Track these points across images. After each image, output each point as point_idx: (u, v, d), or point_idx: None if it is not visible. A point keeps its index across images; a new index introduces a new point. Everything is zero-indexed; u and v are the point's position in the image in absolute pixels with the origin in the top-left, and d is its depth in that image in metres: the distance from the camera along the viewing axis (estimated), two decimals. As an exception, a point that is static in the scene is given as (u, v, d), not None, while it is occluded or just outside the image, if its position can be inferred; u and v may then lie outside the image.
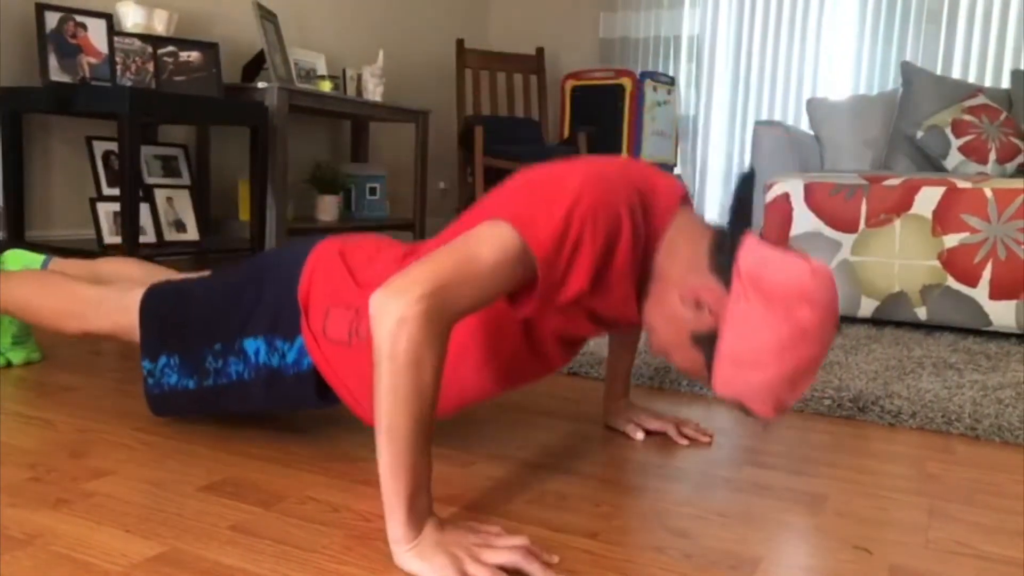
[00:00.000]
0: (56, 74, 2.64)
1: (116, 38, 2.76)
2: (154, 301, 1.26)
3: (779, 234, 2.60)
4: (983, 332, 2.43)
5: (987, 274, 2.34)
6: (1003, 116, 3.50)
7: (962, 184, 2.39)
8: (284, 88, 3.12)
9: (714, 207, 4.99)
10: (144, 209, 2.83)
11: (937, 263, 2.40)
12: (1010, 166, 3.45)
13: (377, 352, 0.85)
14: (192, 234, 3.02)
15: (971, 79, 4.22)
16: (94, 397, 1.44)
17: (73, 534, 0.91)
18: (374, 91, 3.78)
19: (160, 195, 2.94)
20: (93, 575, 0.82)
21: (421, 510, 0.88)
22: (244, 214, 3.37)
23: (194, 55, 2.97)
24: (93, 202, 2.77)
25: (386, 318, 0.85)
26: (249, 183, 3.06)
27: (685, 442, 1.34)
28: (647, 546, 0.95)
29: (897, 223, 2.45)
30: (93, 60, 2.75)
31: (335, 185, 3.71)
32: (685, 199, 1.10)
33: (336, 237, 1.22)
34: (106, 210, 2.77)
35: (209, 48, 3.01)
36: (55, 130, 2.85)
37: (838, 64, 4.58)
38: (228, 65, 3.29)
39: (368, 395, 0.88)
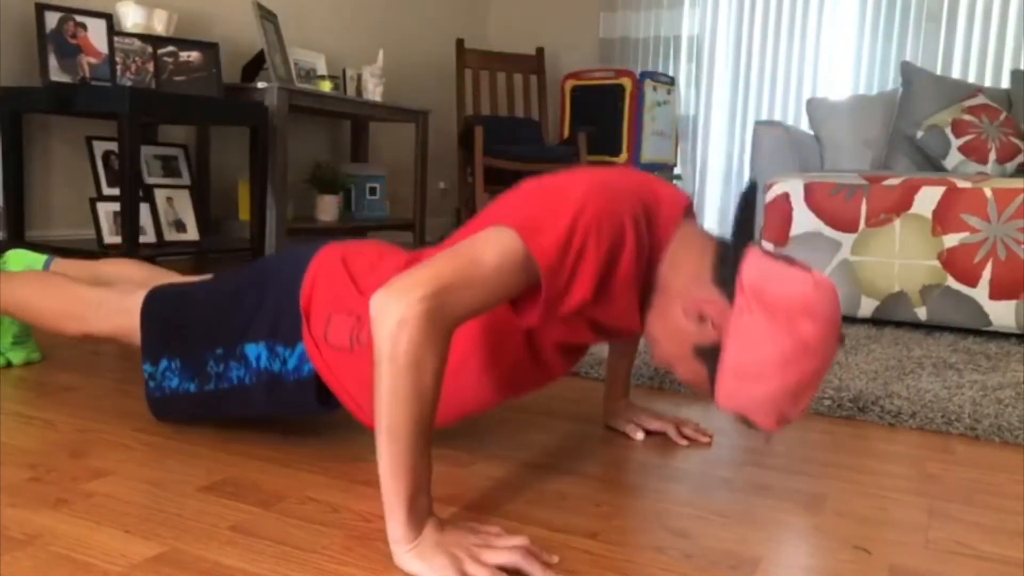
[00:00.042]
0: (56, 74, 2.64)
1: (116, 38, 2.76)
2: (156, 304, 1.26)
3: (779, 234, 2.60)
4: (983, 332, 2.43)
5: (987, 274, 2.34)
6: (1003, 116, 3.50)
7: (962, 184, 2.39)
8: (284, 88, 3.12)
9: (714, 207, 4.99)
10: (144, 209, 2.83)
11: (937, 263, 2.40)
12: (1010, 166, 3.45)
13: (377, 353, 0.85)
14: (192, 234, 3.02)
15: (971, 79, 4.22)
16: (94, 397, 1.44)
17: (73, 534, 0.91)
18: (374, 91, 3.78)
19: (160, 195, 2.94)
20: (93, 575, 0.82)
21: (421, 510, 0.88)
22: (244, 214, 3.37)
23: (194, 55, 2.97)
24: (93, 202, 2.77)
25: (387, 319, 0.85)
26: (249, 183, 3.06)
27: (685, 442, 1.34)
28: (647, 546, 0.95)
29: (897, 223, 2.45)
30: (93, 60, 2.75)
31: (335, 185, 3.71)
32: (688, 210, 1.09)
33: (338, 243, 1.22)
34: (106, 210, 2.77)
35: (209, 48, 3.01)
36: (55, 130, 2.85)
37: (838, 64, 4.58)
38: (228, 65, 3.29)
39: (370, 400, 0.88)
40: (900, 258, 2.45)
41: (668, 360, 1.06)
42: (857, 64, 4.52)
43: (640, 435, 1.36)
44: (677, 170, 4.94)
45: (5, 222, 2.66)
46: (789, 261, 0.98)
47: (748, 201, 1.03)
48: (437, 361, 0.86)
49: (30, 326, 1.61)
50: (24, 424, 1.28)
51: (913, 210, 2.43)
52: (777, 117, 4.71)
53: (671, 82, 4.73)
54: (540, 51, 4.84)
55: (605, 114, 4.59)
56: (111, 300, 1.30)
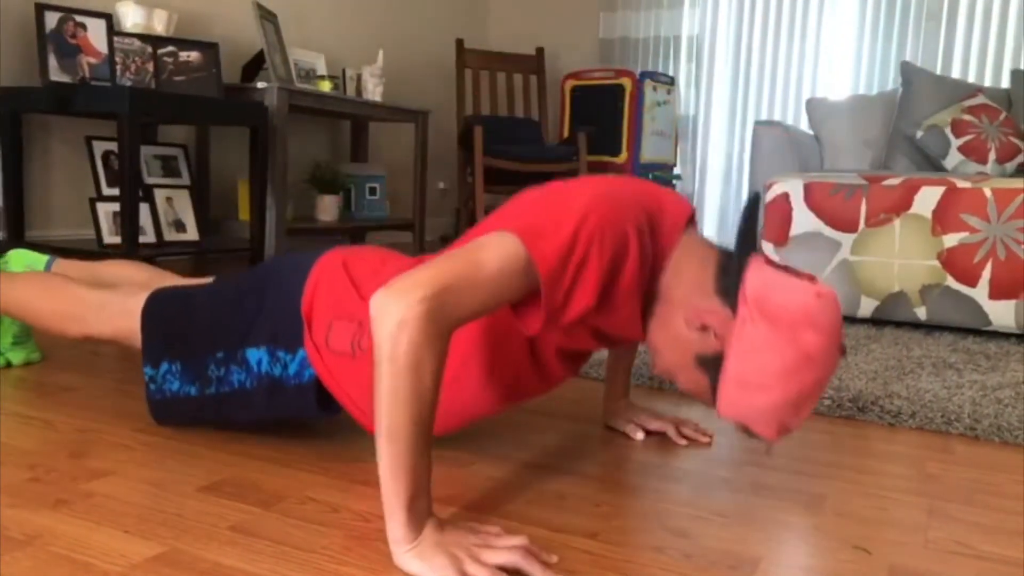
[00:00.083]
0: (56, 74, 2.64)
1: (116, 38, 2.76)
2: (157, 307, 1.26)
3: (779, 234, 2.60)
4: (982, 332, 2.43)
5: (987, 274, 2.34)
6: (1003, 116, 3.50)
7: (962, 184, 2.39)
8: (284, 88, 3.12)
9: (714, 207, 4.99)
10: (144, 209, 2.83)
11: (937, 263, 2.40)
12: (1010, 166, 3.45)
13: (377, 353, 0.85)
14: (192, 234, 3.02)
15: (971, 79, 4.23)
16: (94, 397, 1.44)
17: (72, 534, 0.91)
18: (374, 91, 3.78)
19: (160, 195, 2.94)
20: (92, 575, 0.82)
21: (421, 511, 0.88)
22: (244, 214, 3.37)
23: (194, 55, 2.97)
24: (93, 202, 2.77)
25: (387, 319, 0.85)
26: (249, 183, 3.06)
27: (684, 442, 1.34)
28: (647, 546, 0.95)
29: (897, 223, 2.45)
30: (93, 60, 2.75)
31: (335, 185, 3.71)
32: (691, 219, 1.09)
33: (340, 249, 1.22)
34: (106, 210, 2.77)
35: (209, 48, 3.01)
36: (55, 130, 2.85)
37: (838, 64, 4.58)
38: (228, 65, 3.29)
39: (372, 405, 0.88)
40: (900, 258, 2.45)
41: (670, 369, 1.06)
42: (857, 64, 4.52)
43: (640, 435, 1.36)
44: (677, 170, 4.94)
45: (5, 222, 2.66)
46: (791, 271, 0.98)
47: (751, 211, 1.04)
48: (437, 362, 0.86)
49: (30, 327, 1.61)
50: (24, 424, 1.28)
51: (913, 210, 2.43)
52: (777, 117, 4.71)
53: (671, 82, 4.73)
54: (540, 51, 4.84)
55: (605, 114, 4.59)
56: (112, 302, 1.30)
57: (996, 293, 2.33)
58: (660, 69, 5.00)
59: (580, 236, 0.93)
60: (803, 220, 2.57)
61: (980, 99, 3.56)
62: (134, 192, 2.52)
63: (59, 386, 1.50)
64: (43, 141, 2.82)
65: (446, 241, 4.86)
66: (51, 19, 2.66)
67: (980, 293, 2.35)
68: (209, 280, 1.40)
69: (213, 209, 3.41)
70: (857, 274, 2.50)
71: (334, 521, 0.98)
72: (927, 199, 2.41)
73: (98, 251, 2.66)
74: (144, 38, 2.83)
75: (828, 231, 2.54)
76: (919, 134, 3.55)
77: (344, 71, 3.87)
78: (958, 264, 2.38)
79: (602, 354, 1.77)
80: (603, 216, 0.95)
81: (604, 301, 0.97)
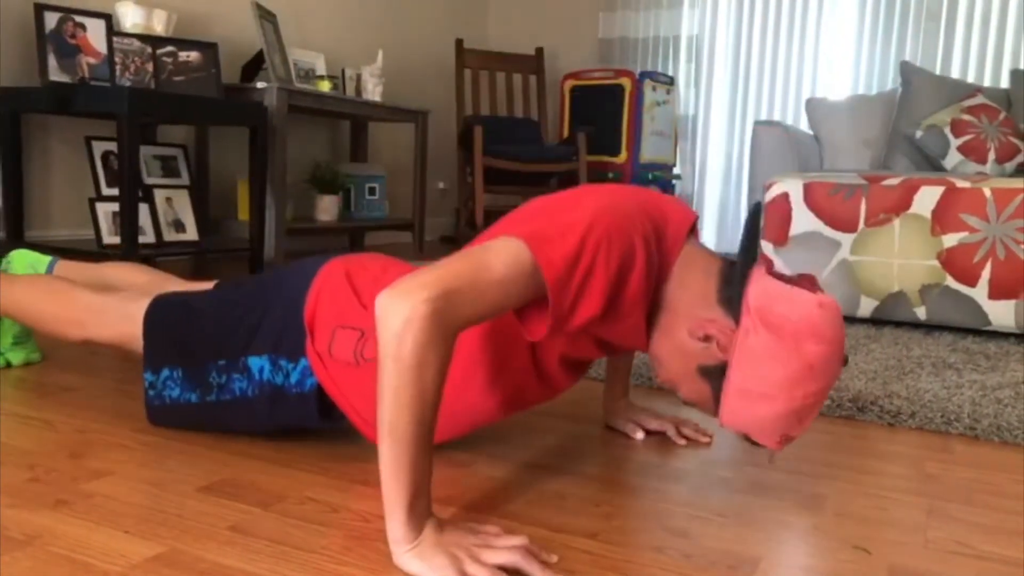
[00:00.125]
0: (55, 74, 2.64)
1: (115, 38, 2.76)
2: (159, 313, 1.26)
3: (778, 234, 2.60)
4: (982, 332, 2.43)
5: (986, 274, 2.34)
6: (1002, 116, 3.50)
7: (961, 184, 2.39)
8: (283, 88, 3.12)
9: (713, 207, 4.99)
10: (143, 209, 2.83)
11: (936, 263, 2.40)
12: (1009, 166, 3.45)
13: (382, 352, 0.85)
14: (191, 234, 3.02)
15: (970, 79, 4.23)
16: (93, 398, 1.44)
17: (72, 535, 0.91)
18: (373, 91, 3.78)
19: (159, 195, 2.94)
20: (92, 575, 0.83)
21: (421, 511, 0.88)
22: (243, 214, 3.37)
23: (193, 55, 2.97)
24: (92, 202, 2.77)
25: (392, 319, 0.85)
26: (248, 183, 3.06)
27: (684, 442, 1.35)
28: (647, 546, 0.95)
29: (896, 223, 2.45)
30: (92, 60, 2.75)
31: (334, 185, 3.71)
32: (693, 227, 1.09)
33: (342, 258, 1.22)
34: (105, 210, 2.77)
35: (208, 48, 3.01)
36: (54, 130, 2.85)
37: (837, 64, 4.58)
38: (227, 65, 3.29)
39: (375, 414, 0.88)
40: (899, 258, 2.45)
41: (672, 379, 1.06)
42: (856, 64, 4.52)
43: (640, 435, 1.36)
44: (676, 170, 4.94)
45: (4, 222, 2.66)
46: (794, 281, 0.99)
47: (753, 222, 1.04)
48: (441, 363, 0.86)
49: (31, 328, 1.61)
50: (24, 424, 1.28)
51: (912, 210, 2.43)
52: (776, 117, 4.72)
53: (670, 82, 4.73)
54: (539, 51, 4.84)
55: (604, 114, 4.59)
56: (113, 307, 1.30)
57: (996, 293, 2.33)
58: (660, 69, 5.00)
59: (587, 244, 0.93)
60: (803, 220, 2.57)
61: (979, 99, 3.57)
62: (133, 192, 2.52)
63: (59, 386, 1.50)
64: (43, 141, 2.82)
65: (446, 241, 4.86)
66: (51, 19, 2.66)
67: (980, 293, 2.35)
68: (210, 285, 1.40)
69: (213, 209, 3.41)
70: (857, 274, 2.50)
71: (334, 521, 0.98)
72: (926, 199, 2.42)
73: (97, 251, 2.66)
74: (143, 38, 2.83)
75: (828, 231, 2.54)
76: (919, 134, 3.56)
77: (344, 71, 3.87)
78: (958, 264, 2.38)
79: (602, 354, 1.77)
80: (610, 225, 0.95)
81: (610, 310, 0.97)
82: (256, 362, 1.17)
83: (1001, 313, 2.33)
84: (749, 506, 1.09)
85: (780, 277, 0.99)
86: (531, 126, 4.66)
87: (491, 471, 1.18)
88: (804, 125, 4.18)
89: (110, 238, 2.74)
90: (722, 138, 4.94)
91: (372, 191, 4.01)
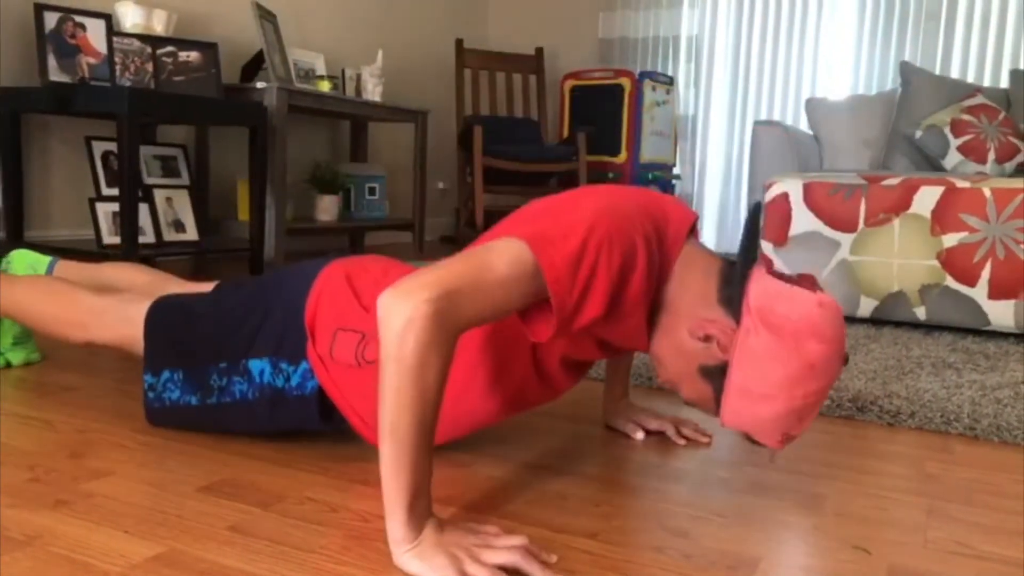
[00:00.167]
0: (55, 74, 2.64)
1: (115, 38, 2.76)
2: (160, 315, 1.26)
3: (778, 234, 2.60)
4: (982, 332, 2.43)
5: (986, 274, 2.34)
6: (1002, 116, 3.50)
7: (961, 184, 2.39)
8: (283, 88, 3.12)
9: (713, 207, 4.99)
10: (143, 209, 2.83)
11: (936, 263, 2.40)
12: (1009, 166, 3.45)
13: (383, 353, 0.85)
14: (191, 234, 3.02)
15: (970, 79, 4.23)
16: (93, 397, 1.44)
17: (72, 535, 0.91)
18: (373, 91, 3.78)
19: (159, 195, 2.94)
20: (92, 575, 0.83)
21: (421, 511, 0.88)
22: (243, 214, 3.37)
23: (193, 55, 2.97)
24: (92, 202, 2.77)
25: (394, 319, 0.85)
26: (248, 183, 3.06)
27: (683, 442, 1.35)
28: (647, 546, 0.95)
29: (896, 223, 2.45)
30: (92, 60, 2.75)
31: (334, 185, 3.71)
32: (693, 227, 1.10)
33: (343, 260, 1.22)
34: (105, 210, 2.77)
35: (208, 48, 3.01)
36: (54, 130, 2.85)
37: (837, 64, 4.58)
38: (227, 65, 3.29)
39: (376, 417, 0.88)
40: (899, 258, 2.45)
41: (673, 379, 1.06)
42: (856, 64, 4.52)
43: (640, 435, 1.36)
44: (676, 170, 4.95)
45: (5, 222, 2.66)
46: (794, 281, 0.99)
47: (753, 222, 1.04)
48: (442, 363, 0.86)
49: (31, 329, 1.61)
50: (24, 424, 1.28)
51: (912, 210, 2.43)
52: (776, 117, 4.72)
53: (670, 82, 4.73)
54: (539, 51, 4.84)
55: (604, 114, 4.59)
56: (114, 309, 1.30)
57: (995, 293, 2.33)
58: (659, 69, 5.00)
59: (589, 245, 0.93)
60: (802, 220, 2.57)
61: (979, 99, 3.57)
62: (133, 192, 2.52)
63: (59, 386, 1.50)
64: (42, 141, 2.82)
65: (446, 241, 4.86)
66: (50, 19, 2.66)
67: (979, 293, 2.35)
68: (211, 286, 1.40)
69: (212, 209, 3.41)
70: (856, 274, 2.50)
71: (333, 521, 0.98)
72: (926, 199, 2.42)
73: (97, 251, 2.66)
74: (143, 38, 2.83)
75: (827, 231, 2.54)
76: (918, 134, 3.56)
77: (343, 71, 3.87)
78: (957, 264, 2.38)
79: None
80: (611, 226, 0.95)
81: (612, 310, 0.97)
82: (257, 365, 1.17)
83: (1001, 313, 2.33)
84: (749, 506, 1.09)
85: (780, 277, 0.99)
86: (531, 126, 4.66)
87: (491, 471, 1.18)
88: (804, 125, 4.18)
89: (110, 238, 2.74)
90: (722, 138, 4.94)
91: (372, 191, 4.01)
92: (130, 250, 2.49)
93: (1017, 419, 1.47)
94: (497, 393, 1.12)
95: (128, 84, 2.76)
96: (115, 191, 2.74)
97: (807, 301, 0.96)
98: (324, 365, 1.13)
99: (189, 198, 3.04)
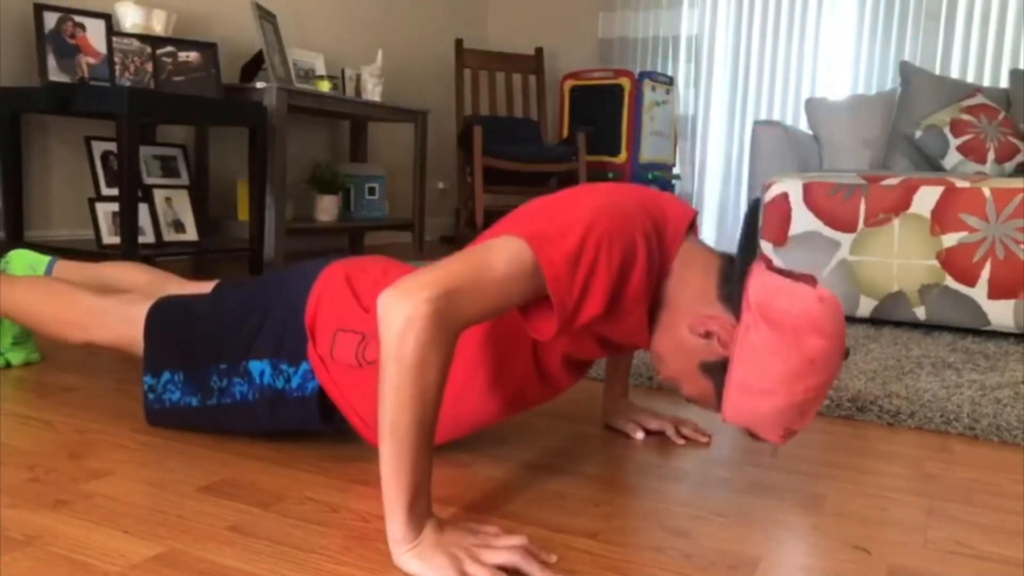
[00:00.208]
0: (55, 74, 2.64)
1: (115, 38, 2.76)
2: (160, 316, 1.26)
3: (778, 234, 2.60)
4: (981, 332, 2.43)
5: (985, 273, 2.34)
6: (1001, 116, 3.50)
7: (960, 184, 2.39)
8: (283, 88, 3.12)
9: (713, 206, 4.99)
10: (143, 209, 2.83)
11: (936, 262, 2.40)
12: (1008, 165, 3.45)
13: (383, 352, 0.86)
14: (191, 234, 3.02)
15: (969, 79, 4.23)
16: (93, 398, 1.44)
17: (72, 535, 0.91)
18: (373, 91, 3.78)
19: (159, 195, 2.94)
20: (92, 575, 0.83)
21: (421, 511, 0.88)
22: (243, 214, 3.37)
23: (193, 55, 2.97)
24: (92, 202, 2.77)
25: (394, 318, 0.85)
26: (248, 183, 3.06)
27: (682, 442, 1.35)
28: (647, 546, 0.95)
29: (896, 223, 2.45)
30: (92, 60, 2.75)
31: (334, 185, 3.71)
32: (692, 224, 1.10)
33: (343, 261, 1.22)
34: (105, 210, 2.77)
35: (208, 48, 3.01)
36: (54, 130, 2.85)
37: (837, 64, 4.58)
38: (227, 65, 3.29)
39: (376, 417, 0.88)
40: (899, 258, 2.45)
41: (674, 376, 1.06)
42: (856, 64, 4.52)
43: (640, 434, 1.36)
44: (676, 170, 4.95)
45: (4, 222, 2.66)
46: (794, 276, 0.99)
47: (752, 218, 1.04)
48: (442, 362, 0.86)
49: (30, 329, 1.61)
50: (23, 425, 1.28)
51: (912, 210, 2.43)
52: (776, 117, 4.72)
53: (670, 82, 4.73)
54: (539, 51, 4.84)
55: (604, 114, 4.59)
56: (114, 309, 1.30)
57: (995, 293, 2.33)
58: (659, 69, 5.00)
59: (588, 243, 0.93)
60: (802, 220, 2.57)
61: (979, 99, 3.57)
62: (133, 192, 2.52)
63: (59, 386, 1.50)
64: (42, 141, 2.82)
65: (446, 241, 4.86)
66: (50, 19, 2.66)
67: (979, 293, 2.35)
68: (211, 285, 1.40)
69: (212, 209, 3.41)
70: (856, 274, 2.50)
71: (333, 521, 0.98)
72: (926, 199, 2.42)
73: (97, 251, 2.66)
74: (143, 38, 2.83)
75: (827, 231, 2.54)
76: (918, 134, 3.56)
77: (343, 71, 3.87)
78: (957, 264, 2.38)
79: (601, 354, 1.77)
80: (611, 224, 0.95)
81: (612, 308, 0.97)
82: (257, 366, 1.17)
83: (1000, 313, 2.33)
84: (749, 506, 1.09)
85: (780, 272, 0.99)
86: (531, 126, 4.66)
87: (491, 471, 1.18)
88: (804, 125, 4.18)
89: (110, 238, 2.74)
90: (721, 138, 4.94)
91: (372, 191, 4.01)
92: (130, 250, 2.49)
93: (1017, 419, 1.47)
94: (497, 392, 1.12)
95: (128, 84, 2.76)
96: (115, 191, 2.74)
97: (807, 296, 0.96)
98: (325, 366, 1.13)
99: (189, 198, 3.04)
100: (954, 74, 4.26)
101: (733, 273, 1.01)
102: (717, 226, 4.96)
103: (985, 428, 1.46)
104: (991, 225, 2.34)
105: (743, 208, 4.78)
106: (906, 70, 3.81)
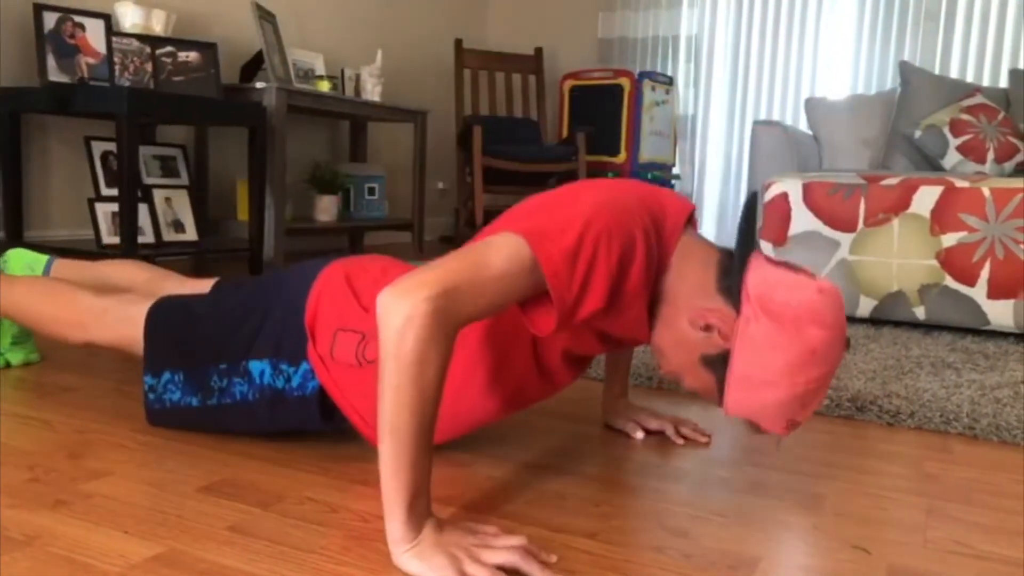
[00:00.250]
0: (54, 74, 2.64)
1: (114, 38, 2.75)
2: (160, 316, 1.26)
3: (777, 234, 2.60)
4: (981, 331, 2.43)
5: (985, 273, 2.34)
6: (1001, 115, 3.50)
7: (960, 183, 2.39)
8: (282, 88, 3.12)
9: (712, 206, 4.99)
10: (142, 209, 2.83)
11: (935, 262, 2.40)
12: (1008, 165, 3.45)
13: (383, 351, 0.86)
14: (191, 234, 3.02)
15: (969, 78, 4.23)
16: (93, 398, 1.44)
17: (72, 535, 0.91)
18: (372, 91, 3.78)
19: (158, 195, 2.94)
20: (91, 575, 0.83)
21: (421, 510, 0.88)
22: (243, 214, 3.37)
23: (192, 55, 2.97)
24: (91, 202, 2.77)
25: (393, 317, 0.85)
26: (248, 183, 3.06)
27: (681, 441, 1.35)
28: (646, 546, 0.95)
29: (895, 222, 2.45)
30: (91, 60, 2.75)
31: (334, 185, 3.71)
32: (690, 218, 1.10)
33: (343, 260, 1.22)
34: (104, 210, 2.77)
35: (207, 48, 3.01)
36: (53, 130, 2.84)
37: (836, 64, 4.58)
38: (226, 65, 3.29)
39: (376, 414, 0.88)
40: (898, 258, 2.45)
41: (675, 371, 1.06)
42: (855, 64, 4.52)
43: (640, 434, 1.36)
44: (675, 170, 4.95)
45: (4, 223, 2.66)
46: (793, 268, 0.99)
47: (750, 211, 1.05)
48: (441, 361, 0.87)
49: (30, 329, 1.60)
50: (23, 425, 1.28)
51: (911, 210, 2.43)
52: (775, 117, 4.72)
53: (669, 82, 4.73)
54: (539, 51, 4.84)
55: (604, 114, 4.59)
56: (114, 309, 1.30)
57: (994, 292, 2.33)
58: (659, 69, 5.00)
59: (586, 239, 0.93)
60: (802, 220, 2.57)
61: (978, 99, 3.57)
62: (133, 192, 2.52)
63: (58, 386, 1.50)
64: (42, 141, 2.81)
65: (445, 241, 4.86)
66: (49, 19, 2.66)
67: (979, 292, 2.35)
68: (211, 282, 1.40)
69: (212, 209, 3.40)
70: (856, 274, 2.50)
71: (333, 521, 0.98)
72: (925, 199, 2.42)
73: (97, 252, 2.66)
74: (143, 38, 2.83)
75: (827, 231, 2.54)
76: (917, 134, 3.56)
77: (343, 71, 3.87)
78: (956, 263, 2.38)
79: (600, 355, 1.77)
80: (610, 219, 0.95)
81: (612, 303, 0.97)
82: (257, 366, 1.17)
83: (1000, 313, 2.33)
84: (749, 506, 1.09)
85: (779, 264, 1.00)
86: (530, 126, 4.66)
87: (490, 471, 1.18)
88: (803, 125, 4.18)
89: (109, 238, 2.74)
90: (721, 138, 4.94)
91: (371, 191, 4.01)
92: (129, 250, 2.49)
93: (1016, 419, 1.47)
94: (497, 389, 1.12)
95: (127, 84, 2.76)
96: (114, 191, 2.74)
97: (807, 287, 0.96)
98: (325, 365, 1.13)
99: (188, 198, 3.04)
100: (953, 74, 4.26)
101: (732, 266, 1.01)
102: (717, 226, 4.96)
103: (985, 428, 1.46)
104: (991, 225, 2.34)
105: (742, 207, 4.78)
106: (906, 70, 3.81)
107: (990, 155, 3.42)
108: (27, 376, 1.56)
